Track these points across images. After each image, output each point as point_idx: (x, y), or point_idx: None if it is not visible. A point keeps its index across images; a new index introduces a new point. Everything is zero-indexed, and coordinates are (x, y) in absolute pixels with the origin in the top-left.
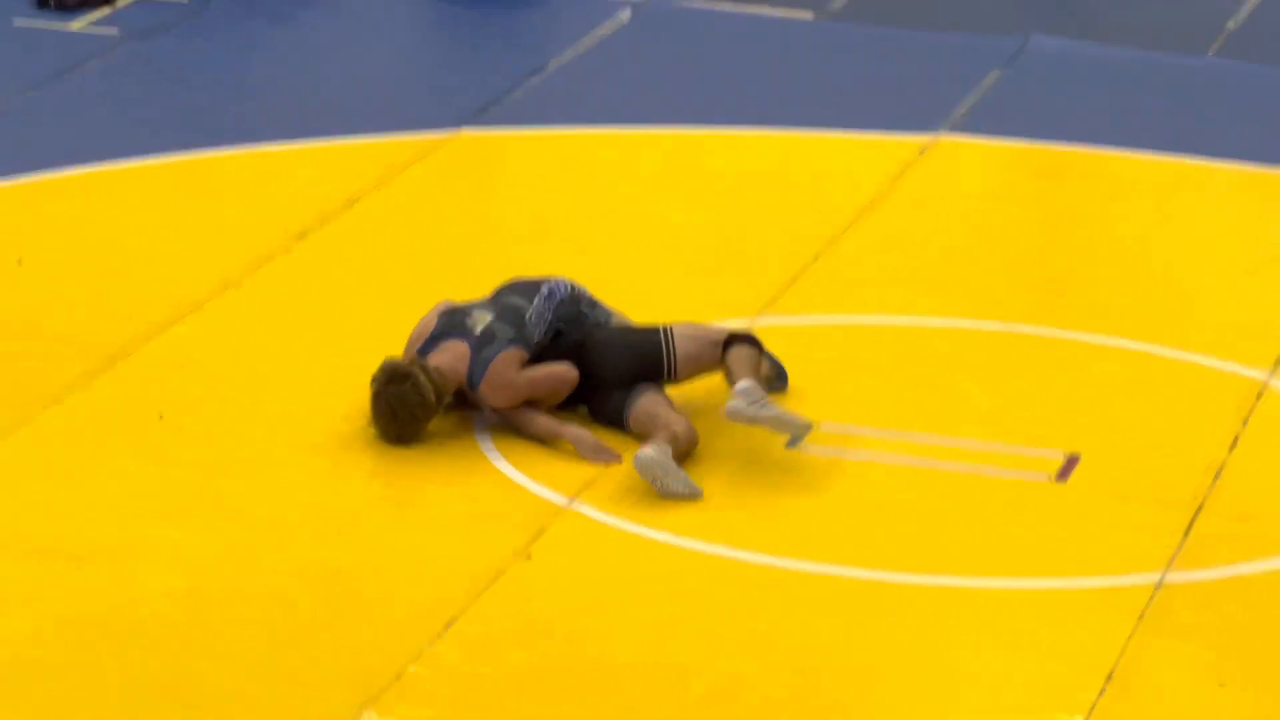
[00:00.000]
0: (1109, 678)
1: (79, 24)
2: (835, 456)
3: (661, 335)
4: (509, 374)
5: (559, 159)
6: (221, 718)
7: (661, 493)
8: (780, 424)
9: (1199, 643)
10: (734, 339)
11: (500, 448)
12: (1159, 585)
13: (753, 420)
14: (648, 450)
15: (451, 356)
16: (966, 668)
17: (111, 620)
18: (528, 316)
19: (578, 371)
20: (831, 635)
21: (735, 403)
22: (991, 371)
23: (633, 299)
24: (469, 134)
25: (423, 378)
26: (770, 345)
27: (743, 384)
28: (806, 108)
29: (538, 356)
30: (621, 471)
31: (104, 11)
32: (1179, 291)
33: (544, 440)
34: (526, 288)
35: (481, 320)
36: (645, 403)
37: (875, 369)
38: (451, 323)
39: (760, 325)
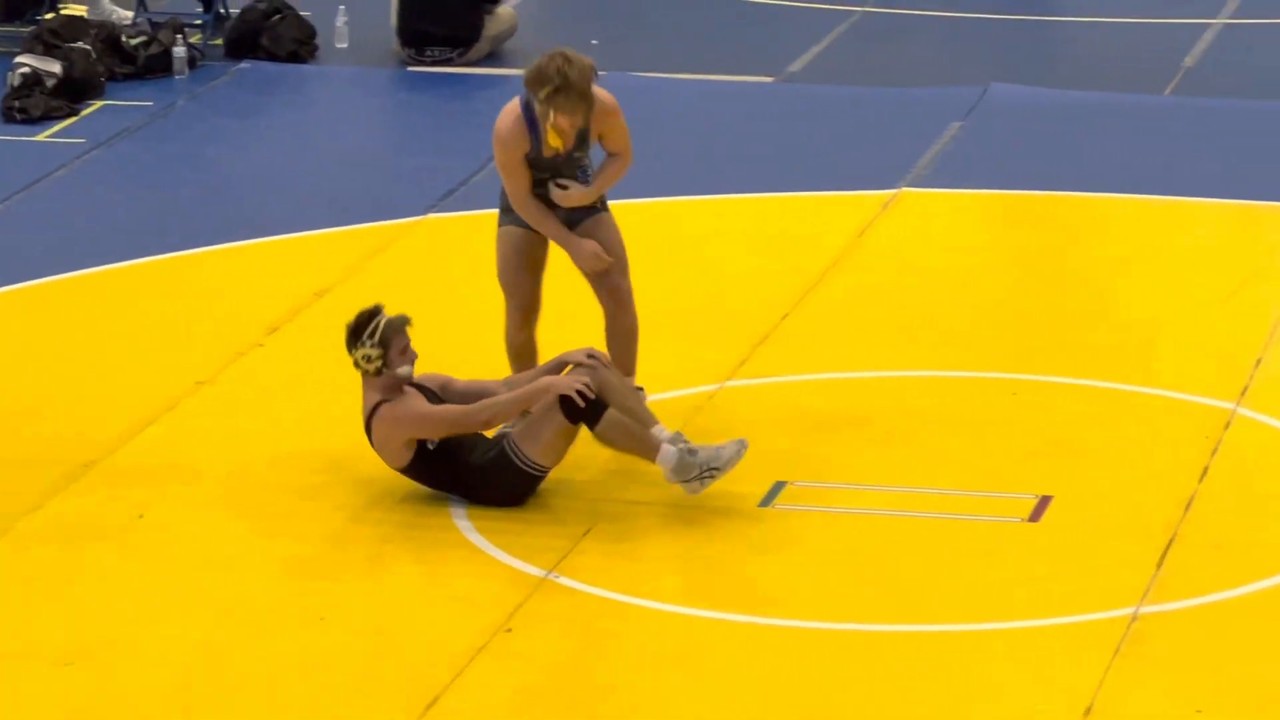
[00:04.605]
0: (1088, 711)
1: (45, 134)
2: (809, 512)
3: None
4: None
5: None
6: None
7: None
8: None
9: (1175, 672)
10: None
11: (477, 524)
12: (1134, 618)
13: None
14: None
15: None
16: (951, 712)
17: None
18: None
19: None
20: (816, 689)
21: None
22: (962, 419)
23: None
24: (435, 219)
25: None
26: (741, 406)
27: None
28: (770, 170)
29: None
30: (599, 542)
31: (69, 121)
32: (1145, 328)
33: None
34: None
35: None
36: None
37: (847, 424)
38: None
39: (731, 387)
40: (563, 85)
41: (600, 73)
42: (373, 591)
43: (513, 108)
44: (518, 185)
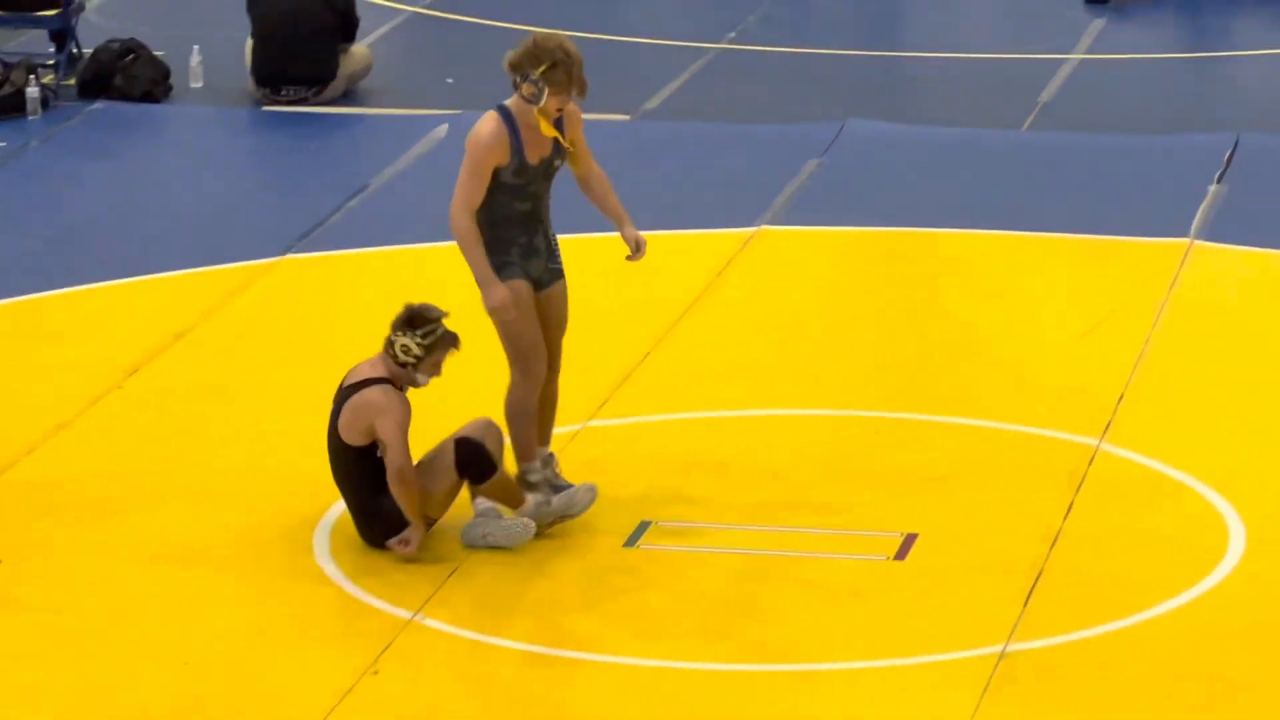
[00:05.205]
0: None
1: None
2: (674, 552)
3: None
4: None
5: (383, 278)
6: None
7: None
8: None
9: (1044, 709)
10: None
11: (343, 567)
12: (1001, 655)
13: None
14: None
15: None
16: None
17: None
18: None
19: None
20: None
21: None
22: (826, 458)
23: (464, 411)
24: (293, 259)
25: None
26: (603, 447)
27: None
28: (627, 208)
29: None
30: (465, 583)
31: None
32: (1008, 365)
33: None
34: None
35: None
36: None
37: (710, 463)
38: None
39: (593, 428)
40: (563, 59)
41: (456, 111)
42: (238, 634)
43: (491, 116)
44: (474, 197)
